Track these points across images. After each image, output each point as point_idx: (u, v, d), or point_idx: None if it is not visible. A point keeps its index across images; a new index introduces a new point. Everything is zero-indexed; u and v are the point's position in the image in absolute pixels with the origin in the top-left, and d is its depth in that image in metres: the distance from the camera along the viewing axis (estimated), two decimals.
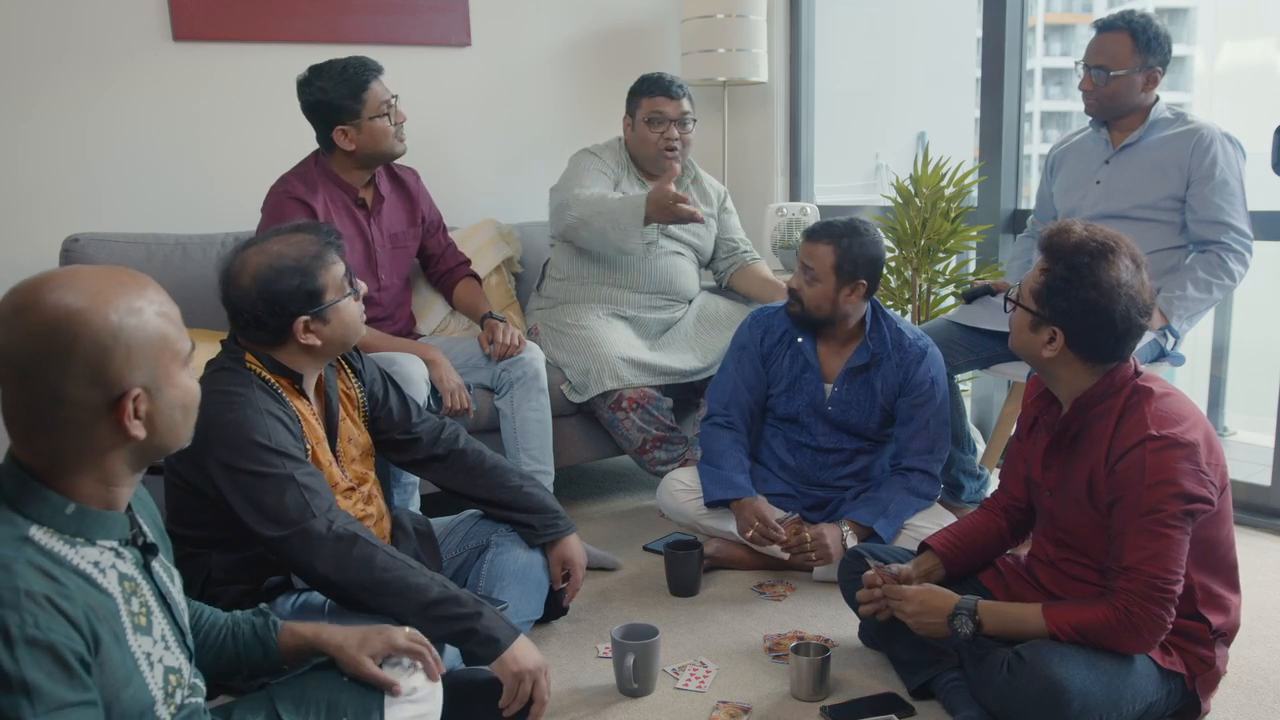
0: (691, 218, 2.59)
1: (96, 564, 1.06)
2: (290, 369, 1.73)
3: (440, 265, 2.87)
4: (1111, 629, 1.58)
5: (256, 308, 1.67)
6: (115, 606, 1.06)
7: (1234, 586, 1.72)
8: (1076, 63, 2.53)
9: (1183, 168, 2.43)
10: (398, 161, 2.68)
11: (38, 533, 1.02)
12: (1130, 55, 2.43)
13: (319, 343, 1.72)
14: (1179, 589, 1.57)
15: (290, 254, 1.69)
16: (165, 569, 1.20)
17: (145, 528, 1.17)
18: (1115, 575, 1.60)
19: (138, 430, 1.05)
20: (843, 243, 2.31)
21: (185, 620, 1.21)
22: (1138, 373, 1.68)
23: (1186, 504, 1.55)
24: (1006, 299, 1.76)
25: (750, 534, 2.32)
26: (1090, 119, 2.62)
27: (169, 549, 1.26)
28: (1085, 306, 1.62)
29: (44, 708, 0.94)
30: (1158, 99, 2.53)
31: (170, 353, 1.08)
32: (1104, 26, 2.47)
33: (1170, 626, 1.59)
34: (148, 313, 1.07)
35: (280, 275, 1.67)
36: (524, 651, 1.62)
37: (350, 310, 1.75)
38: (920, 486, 2.37)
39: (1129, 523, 1.58)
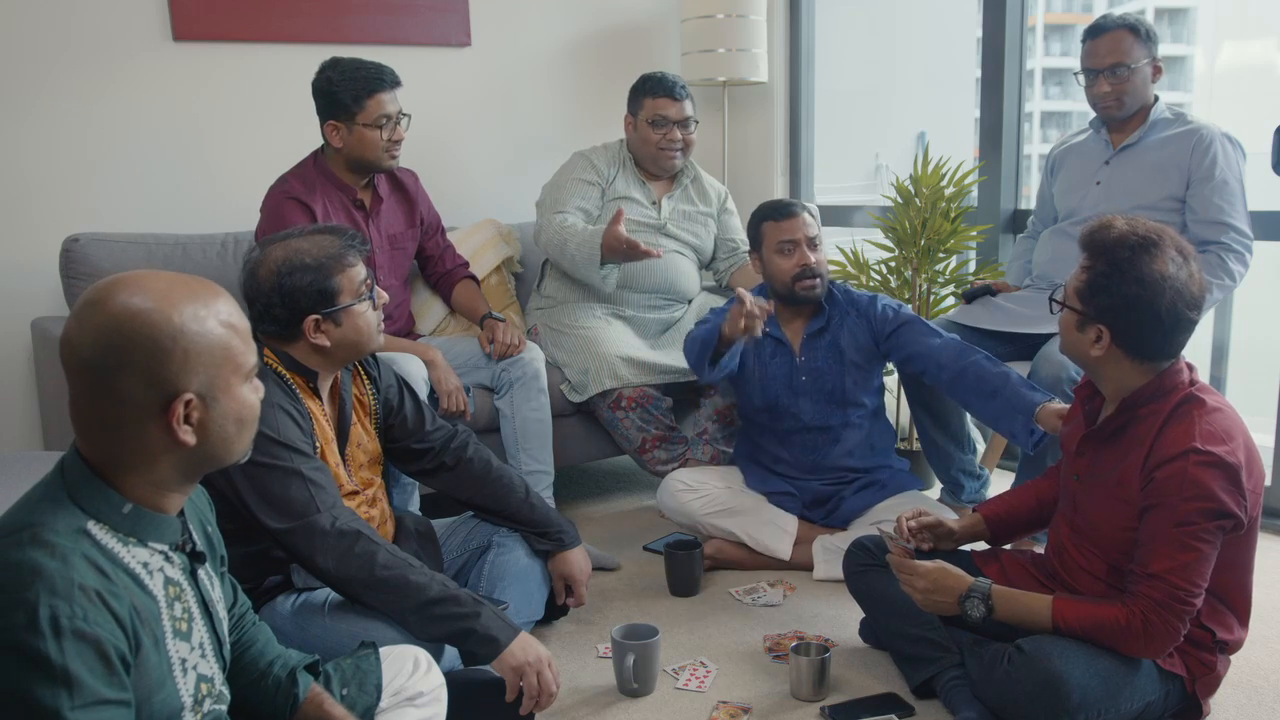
0: (646, 255, 2.62)
1: (145, 565, 1.07)
2: (305, 367, 1.74)
3: (438, 267, 2.87)
4: (1123, 631, 1.57)
5: (270, 300, 1.69)
6: (158, 609, 1.07)
7: (1243, 619, 1.70)
8: (1076, 74, 2.54)
9: (1183, 168, 2.43)
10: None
11: (95, 528, 1.03)
12: (1137, 47, 2.45)
13: (328, 344, 1.73)
14: (1199, 603, 1.56)
15: (310, 251, 1.71)
16: (211, 577, 1.20)
17: (195, 535, 1.17)
18: (1138, 580, 1.58)
19: (186, 436, 1.05)
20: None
21: (225, 629, 1.21)
22: (1193, 381, 1.64)
23: (1218, 520, 1.53)
24: (1052, 299, 1.72)
25: (746, 309, 2.21)
26: (1090, 120, 2.63)
27: (217, 556, 1.25)
28: (1129, 302, 1.57)
29: (81, 701, 0.94)
30: (1157, 99, 2.53)
31: (232, 364, 1.08)
32: (1100, 30, 2.48)
33: (1182, 639, 1.58)
34: (211, 322, 1.07)
35: (295, 271, 1.69)
36: (523, 647, 1.62)
37: (365, 317, 1.76)
38: (988, 364, 2.25)
39: (1161, 531, 1.55)
